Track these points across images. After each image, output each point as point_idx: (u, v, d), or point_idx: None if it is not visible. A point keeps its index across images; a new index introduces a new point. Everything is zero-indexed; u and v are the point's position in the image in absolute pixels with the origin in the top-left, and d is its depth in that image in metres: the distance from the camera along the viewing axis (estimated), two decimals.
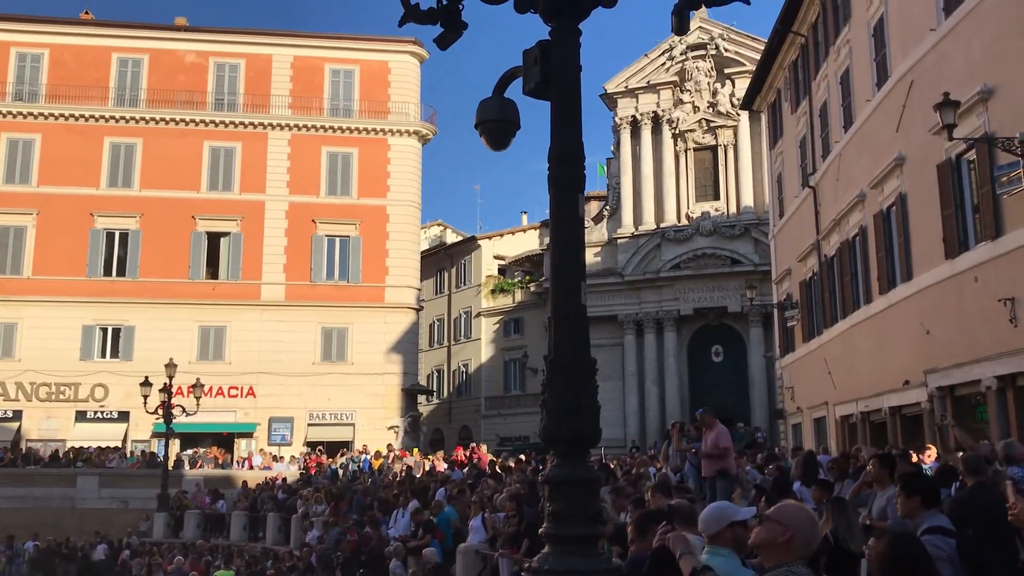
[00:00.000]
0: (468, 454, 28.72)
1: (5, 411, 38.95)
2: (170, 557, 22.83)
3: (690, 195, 44.23)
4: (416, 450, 34.16)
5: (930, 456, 11.39)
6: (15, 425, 38.81)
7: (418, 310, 44.58)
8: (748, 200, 42.81)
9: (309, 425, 40.66)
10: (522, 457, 24.39)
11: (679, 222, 44.00)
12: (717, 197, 43.90)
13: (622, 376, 44.08)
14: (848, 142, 21.69)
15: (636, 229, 44.95)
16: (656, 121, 45.01)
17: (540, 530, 4.94)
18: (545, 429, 4.98)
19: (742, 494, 11.02)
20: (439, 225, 66.25)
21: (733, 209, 43.33)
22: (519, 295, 51.42)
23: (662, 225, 44.20)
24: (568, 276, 5.08)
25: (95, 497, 34.14)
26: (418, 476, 23.21)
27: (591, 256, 43.76)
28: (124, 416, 39.02)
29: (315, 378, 40.47)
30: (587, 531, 4.70)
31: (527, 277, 51.89)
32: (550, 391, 4.97)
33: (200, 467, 36.07)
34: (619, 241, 45.23)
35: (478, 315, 53.33)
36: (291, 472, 33.15)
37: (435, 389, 55.33)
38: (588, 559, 4.62)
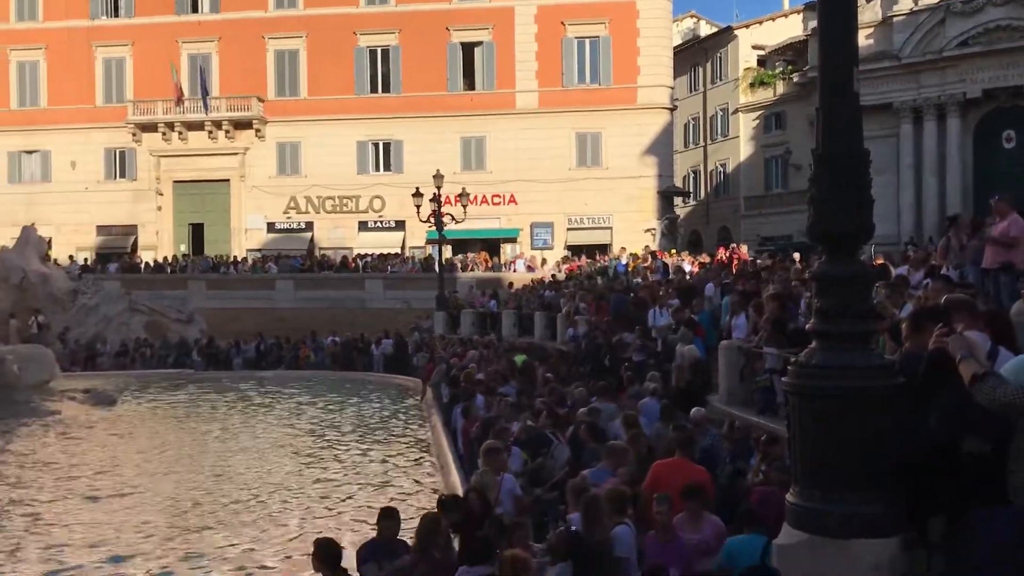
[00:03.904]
0: (728, 254, 28.43)
1: (299, 223, 43.37)
2: (452, 351, 24.78)
3: None
4: (674, 251, 34.29)
5: None
6: (308, 235, 43.26)
7: (671, 110, 43.51)
8: None
9: (568, 230, 41.91)
10: (796, 255, 23.61)
11: None
12: None
13: (897, 169, 41.00)
14: None
15: (915, 4, 40.32)
16: None
17: (807, 326, 4.87)
18: (812, 226, 4.80)
19: None
20: (692, 17, 62.89)
21: None
22: (780, 87, 48.44)
23: None
24: (838, 61, 4.71)
25: (381, 298, 37.68)
26: (676, 276, 23.40)
27: (862, 38, 39.93)
28: (400, 225, 42.16)
29: (571, 183, 41.21)
30: (858, 327, 4.58)
31: (789, 67, 48.51)
32: (817, 186, 4.75)
33: (471, 270, 38.57)
34: (895, 19, 40.85)
35: (735, 112, 51.09)
36: (554, 273, 34.56)
37: (691, 191, 54.55)
38: (859, 354, 4.52)
